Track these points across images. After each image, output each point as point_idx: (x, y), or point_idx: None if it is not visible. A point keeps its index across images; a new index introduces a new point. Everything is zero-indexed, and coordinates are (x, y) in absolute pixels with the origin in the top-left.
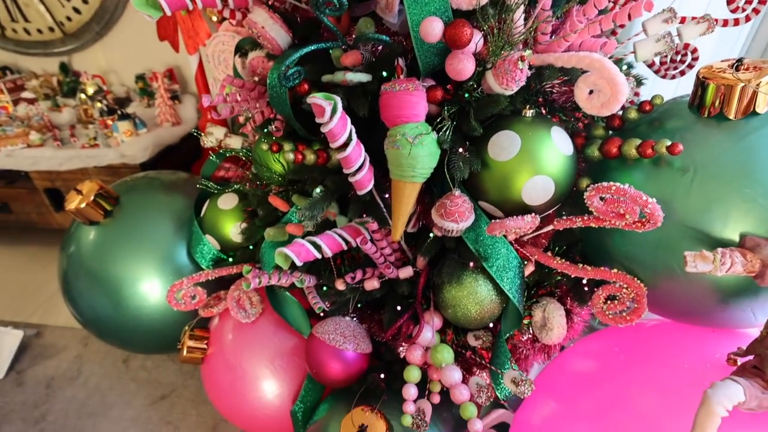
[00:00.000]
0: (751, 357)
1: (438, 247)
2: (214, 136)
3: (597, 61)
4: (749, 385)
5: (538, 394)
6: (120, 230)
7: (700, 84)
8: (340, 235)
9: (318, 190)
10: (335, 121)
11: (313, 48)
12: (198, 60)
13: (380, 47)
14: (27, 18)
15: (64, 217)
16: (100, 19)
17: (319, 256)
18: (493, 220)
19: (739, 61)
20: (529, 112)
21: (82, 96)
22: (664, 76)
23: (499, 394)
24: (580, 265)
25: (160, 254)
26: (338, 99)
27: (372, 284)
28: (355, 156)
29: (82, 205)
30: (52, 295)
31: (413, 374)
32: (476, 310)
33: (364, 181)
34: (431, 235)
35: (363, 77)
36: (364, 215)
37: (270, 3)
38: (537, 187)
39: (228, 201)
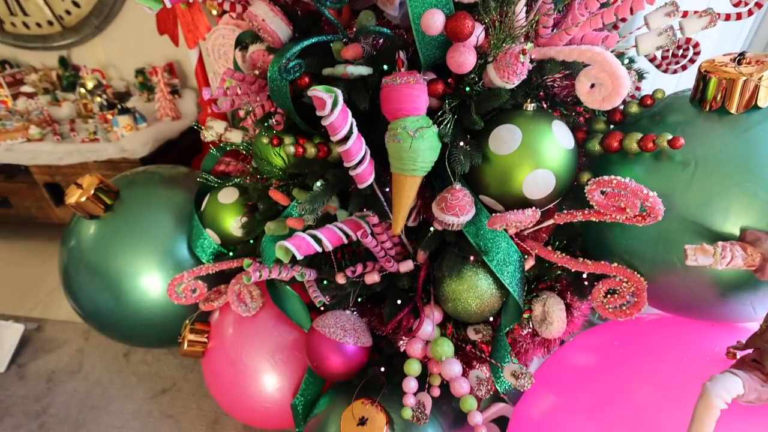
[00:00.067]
0: (750, 350)
1: (438, 241)
2: (214, 130)
3: (599, 54)
4: (748, 378)
5: (538, 387)
6: (120, 224)
7: (702, 78)
8: (340, 229)
9: (318, 183)
10: (336, 114)
11: (313, 41)
12: (198, 54)
13: (381, 40)
14: (26, 12)
15: (64, 211)
16: (99, 13)
17: (319, 249)
18: (493, 214)
19: (741, 54)
20: (530, 106)
21: (82, 90)
22: (665, 71)
23: (498, 388)
24: (581, 259)
25: (160, 248)
26: (339, 92)
27: (372, 278)
28: (356, 149)
29: (83, 199)
30: (53, 290)
31: (413, 367)
32: (476, 304)
33: (364, 174)
34: (432, 229)
35: (364, 70)
36: (365, 209)
37: None
38: (538, 180)
39: (228, 195)
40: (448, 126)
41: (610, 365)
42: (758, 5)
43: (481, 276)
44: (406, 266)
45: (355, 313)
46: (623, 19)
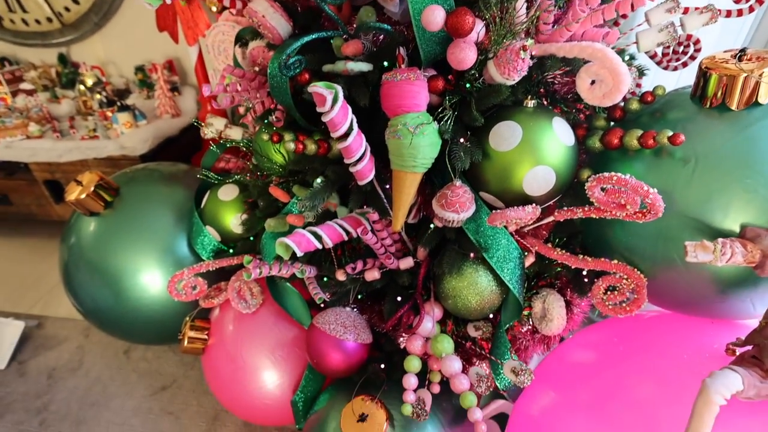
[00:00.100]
0: (749, 347)
1: (438, 237)
2: (214, 127)
3: (599, 51)
4: (747, 374)
5: (538, 384)
6: (120, 221)
7: (703, 74)
8: (340, 226)
9: (319, 180)
10: (336, 110)
11: (314, 37)
12: (197, 51)
13: (381, 36)
14: (25, 8)
15: (63, 208)
16: (98, 10)
17: (319, 246)
18: (493, 211)
19: (742, 51)
20: (530, 103)
21: (81, 87)
22: (666, 68)
23: (498, 384)
24: (581, 256)
25: (160, 245)
26: (339, 88)
27: (372, 275)
28: (356, 146)
29: (83, 196)
30: (53, 287)
31: (413, 364)
32: (476, 301)
33: (365, 171)
34: (432, 226)
35: (364, 67)
36: (365, 206)
37: None
38: (538, 177)
39: (228, 192)
40: (449, 122)
41: (610, 362)
42: (759, 2)
43: (481, 273)
44: (406, 263)
45: (355, 310)
46: (624, 16)
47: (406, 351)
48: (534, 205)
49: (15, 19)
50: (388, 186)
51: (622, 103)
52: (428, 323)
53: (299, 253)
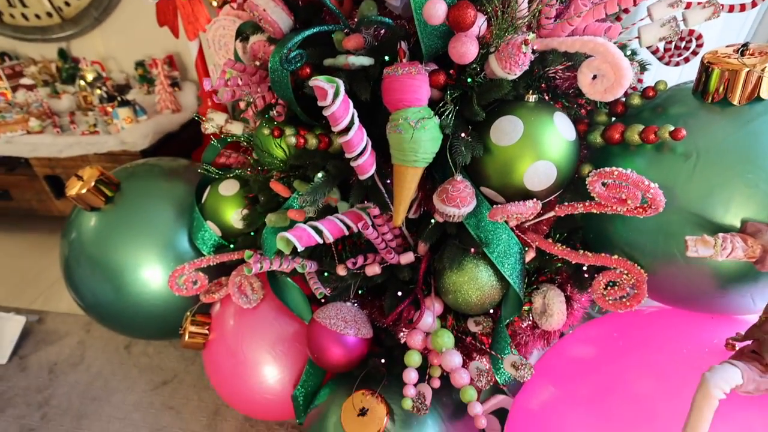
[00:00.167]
0: (749, 342)
1: (439, 232)
2: (214, 122)
3: (601, 45)
4: (747, 368)
5: (537, 378)
6: (121, 216)
7: (705, 69)
8: (341, 220)
9: (320, 175)
10: (337, 104)
11: (315, 31)
12: (198, 46)
13: (383, 31)
14: (25, 3)
15: (64, 204)
16: (98, 5)
17: (320, 240)
18: (494, 206)
19: (745, 45)
20: (531, 98)
21: (82, 83)
22: (668, 63)
23: (498, 379)
24: (581, 251)
25: (161, 240)
26: (340, 82)
27: (373, 270)
28: (357, 140)
29: (83, 191)
30: (54, 282)
31: (414, 359)
32: (477, 296)
33: (366, 165)
34: (433, 220)
35: (365, 61)
36: (366, 201)
37: None
38: (539, 172)
39: (229, 187)
40: (450, 117)
41: (610, 357)
42: None
43: (481, 268)
44: (407, 258)
45: (355, 304)
46: (626, 10)
47: (407, 346)
48: (535, 200)
49: (15, 14)
50: (389, 181)
51: (624, 99)
52: (428, 318)
53: (300, 248)
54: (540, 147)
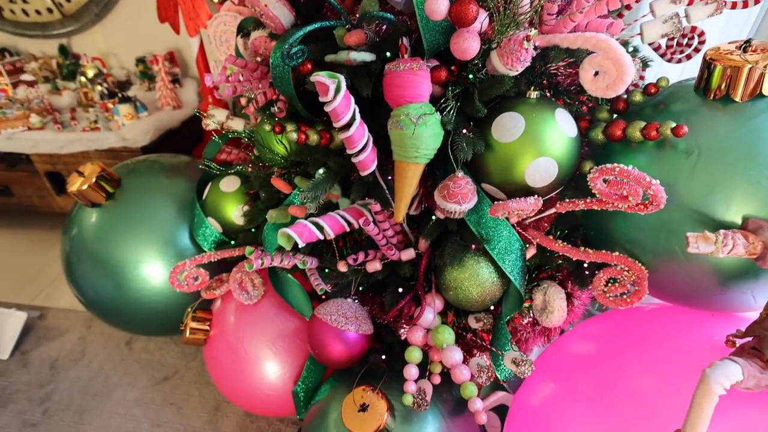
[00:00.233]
0: (749, 338)
1: (440, 229)
2: (216, 118)
3: (603, 41)
4: (747, 364)
5: (538, 375)
6: (122, 212)
7: (707, 66)
8: (342, 217)
9: (321, 171)
10: (339, 99)
11: (316, 26)
12: (199, 42)
13: (384, 26)
14: None
15: (65, 200)
16: (98, 1)
17: (321, 236)
18: (495, 202)
19: (747, 42)
20: (533, 94)
21: (82, 79)
22: (670, 60)
23: (499, 375)
24: (582, 248)
25: (162, 237)
26: (342, 77)
27: (374, 266)
28: (359, 136)
29: (84, 187)
30: (55, 278)
31: (414, 355)
32: (477, 292)
33: (367, 161)
34: (434, 217)
35: (367, 56)
36: (367, 197)
37: None
38: (540, 168)
39: (230, 183)
40: (451, 113)
41: (610, 353)
42: None
43: (482, 264)
44: (408, 254)
45: (356, 301)
46: (628, 7)
47: (407, 342)
48: (536, 196)
49: (15, 10)
50: (390, 177)
51: (625, 95)
52: (429, 314)
53: (301, 244)
54: (541, 143)
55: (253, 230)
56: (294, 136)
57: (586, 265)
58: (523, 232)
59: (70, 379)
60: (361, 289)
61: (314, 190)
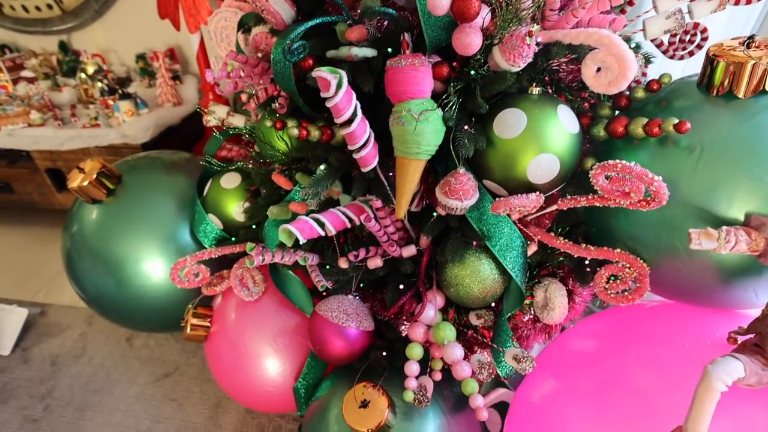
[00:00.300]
0: (751, 335)
1: (441, 226)
2: (216, 115)
3: (606, 37)
4: (749, 361)
5: (538, 372)
6: (123, 209)
7: (710, 62)
8: (343, 213)
9: (322, 167)
10: (340, 95)
11: (317, 22)
12: (199, 39)
13: (386, 22)
14: None
15: (66, 197)
16: None
17: (322, 233)
18: (497, 199)
19: (751, 38)
20: (535, 90)
21: (83, 75)
22: (672, 57)
23: (500, 371)
24: (583, 245)
25: (163, 233)
26: (343, 73)
27: (375, 262)
28: (360, 132)
29: (85, 183)
30: (56, 275)
31: (415, 351)
32: (478, 289)
33: (368, 157)
34: (435, 213)
35: (368, 52)
36: (368, 193)
37: None
38: (542, 165)
39: (231, 180)
40: (453, 109)
41: (611, 350)
42: None
43: (483, 261)
44: (409, 251)
45: (357, 297)
46: (631, 2)
47: (408, 338)
48: (538, 193)
49: (15, 6)
50: (391, 173)
51: (628, 92)
52: (430, 311)
53: (302, 240)
54: (543, 140)
55: (253, 227)
56: (295, 132)
57: (587, 261)
58: (525, 229)
59: (71, 376)
60: (362, 285)
61: (315, 186)
